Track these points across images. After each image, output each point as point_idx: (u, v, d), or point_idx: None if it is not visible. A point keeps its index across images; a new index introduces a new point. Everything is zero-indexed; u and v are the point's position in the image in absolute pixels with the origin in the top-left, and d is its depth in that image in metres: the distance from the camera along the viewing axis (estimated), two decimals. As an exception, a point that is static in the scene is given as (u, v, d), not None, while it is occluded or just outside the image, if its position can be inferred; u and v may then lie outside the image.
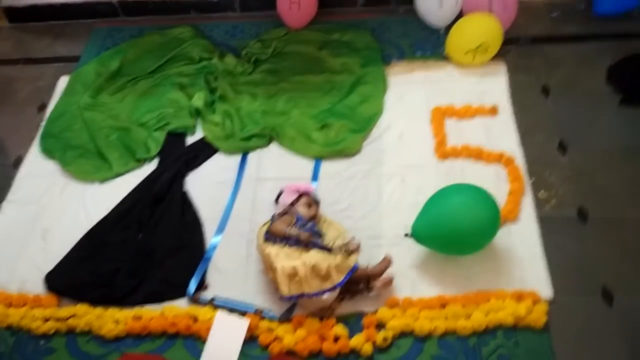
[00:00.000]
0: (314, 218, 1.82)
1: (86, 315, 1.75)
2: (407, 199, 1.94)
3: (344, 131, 2.19)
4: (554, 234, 1.77)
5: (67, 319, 1.75)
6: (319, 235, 1.74)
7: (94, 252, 1.93)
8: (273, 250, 1.67)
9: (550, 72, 2.29)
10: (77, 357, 1.69)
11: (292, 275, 1.59)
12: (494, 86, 2.26)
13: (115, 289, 1.82)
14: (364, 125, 2.21)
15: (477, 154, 2.02)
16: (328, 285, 1.58)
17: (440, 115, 2.17)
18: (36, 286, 1.85)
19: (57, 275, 1.86)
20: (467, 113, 2.17)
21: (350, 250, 1.68)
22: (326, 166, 2.10)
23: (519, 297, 1.62)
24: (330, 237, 1.75)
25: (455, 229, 1.62)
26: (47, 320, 1.76)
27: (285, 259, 1.63)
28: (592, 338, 1.56)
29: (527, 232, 1.79)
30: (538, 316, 1.57)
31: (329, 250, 1.67)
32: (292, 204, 1.82)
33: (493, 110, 2.16)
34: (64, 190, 2.15)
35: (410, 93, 2.30)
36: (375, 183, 2.01)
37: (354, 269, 1.63)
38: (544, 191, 1.90)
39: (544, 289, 1.65)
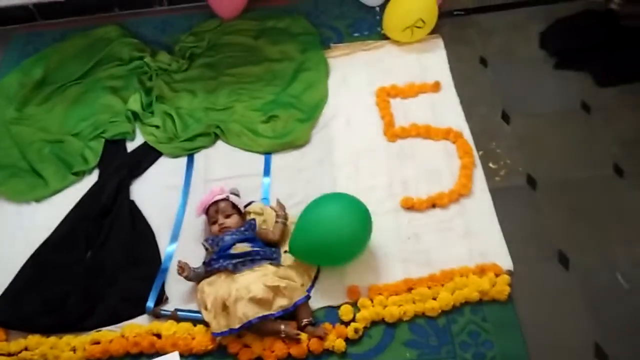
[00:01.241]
0: (225, 227, 1.72)
1: (39, 347, 1.63)
2: (363, 183, 1.91)
3: (291, 121, 2.12)
4: (507, 204, 1.79)
5: (19, 352, 1.62)
6: (254, 239, 1.69)
7: (40, 277, 1.79)
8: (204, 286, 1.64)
9: (485, 42, 2.29)
10: (36, 392, 1.58)
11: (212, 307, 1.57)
12: (434, 61, 2.25)
13: (68, 314, 1.69)
14: (311, 113, 2.14)
15: (425, 132, 2.01)
16: (263, 312, 1.51)
17: (385, 96, 2.14)
18: (-22, 321, 1.70)
19: (1, 307, 1.72)
20: (410, 91, 2.14)
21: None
22: (277, 159, 2.03)
23: (482, 271, 1.62)
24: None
25: (327, 241, 1.56)
26: (-4, 356, 1.63)
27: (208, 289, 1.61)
28: (554, 302, 1.58)
29: (481, 205, 1.80)
30: (502, 288, 1.58)
31: (266, 258, 1.63)
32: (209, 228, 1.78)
33: (436, 86, 2.15)
34: (-1, 212, 1.99)
35: (353, 75, 2.25)
36: (329, 172, 1.96)
37: (297, 303, 1.56)
38: (492, 163, 1.91)
39: (504, 260, 1.66)
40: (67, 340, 1.64)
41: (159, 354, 1.60)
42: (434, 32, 2.29)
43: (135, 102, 2.23)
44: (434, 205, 1.81)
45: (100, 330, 1.66)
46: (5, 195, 2.02)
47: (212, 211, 1.76)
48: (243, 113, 2.18)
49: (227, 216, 1.74)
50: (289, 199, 1.89)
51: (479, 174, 1.87)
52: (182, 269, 1.61)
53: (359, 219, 1.59)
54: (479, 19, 2.38)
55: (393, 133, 2.02)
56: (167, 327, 1.62)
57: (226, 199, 1.78)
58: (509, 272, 1.63)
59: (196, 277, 1.64)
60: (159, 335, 1.62)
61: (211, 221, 1.75)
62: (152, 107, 2.25)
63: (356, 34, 2.41)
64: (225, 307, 1.53)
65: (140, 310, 1.69)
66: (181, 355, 1.58)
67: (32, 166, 2.09)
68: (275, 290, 1.53)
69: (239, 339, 1.57)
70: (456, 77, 2.17)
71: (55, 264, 1.81)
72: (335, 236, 1.55)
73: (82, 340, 1.63)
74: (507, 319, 1.56)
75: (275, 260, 1.66)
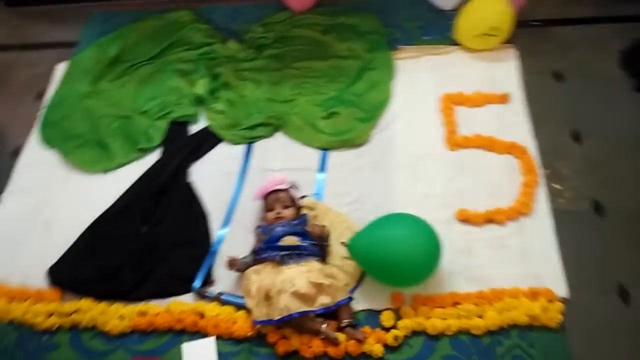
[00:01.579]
0: (282, 217, 1.72)
1: (90, 311, 1.69)
2: (419, 190, 1.87)
3: (351, 120, 2.11)
4: (569, 229, 1.71)
5: (71, 314, 1.70)
6: (304, 234, 1.68)
7: (98, 245, 1.86)
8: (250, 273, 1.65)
9: (561, 56, 2.20)
10: (82, 353, 1.65)
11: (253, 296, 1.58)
12: (505, 72, 2.17)
13: (120, 283, 1.76)
14: (372, 113, 2.12)
15: (489, 144, 1.94)
16: (304, 307, 1.50)
17: (450, 103, 2.09)
18: (39, 280, 1.79)
19: (60, 269, 1.81)
20: (477, 100, 2.08)
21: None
22: (334, 157, 2.03)
23: (534, 295, 1.56)
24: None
25: (393, 263, 1.52)
26: (50, 315, 1.70)
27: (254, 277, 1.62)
28: (610, 338, 1.51)
29: (541, 226, 1.73)
30: (553, 315, 1.52)
31: (312, 254, 1.62)
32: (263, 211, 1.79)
33: (504, 98, 2.08)
34: (66, 180, 2.08)
35: (419, 79, 2.21)
36: (385, 174, 1.94)
37: (339, 303, 1.54)
38: (557, 183, 1.82)
39: (559, 286, 1.59)
40: (116, 308, 1.70)
41: (200, 334, 1.63)
42: (508, 41, 2.21)
43: (201, 87, 2.27)
44: (490, 221, 1.76)
45: (148, 303, 1.71)
46: (74, 164, 2.12)
47: (271, 199, 1.77)
48: (305, 107, 2.18)
49: (285, 207, 1.75)
50: (342, 198, 1.88)
51: (541, 194, 1.79)
52: (232, 264, 1.64)
53: (434, 264, 1.56)
54: (557, 32, 2.29)
55: (455, 142, 1.97)
56: (211, 309, 1.65)
57: (286, 190, 1.79)
58: (563, 300, 1.56)
59: (244, 266, 1.66)
60: (202, 315, 1.65)
61: (267, 208, 1.77)
62: (217, 93, 2.29)
63: (426, 37, 2.36)
64: (268, 297, 1.54)
65: (187, 288, 1.73)
66: (221, 338, 1.61)
67: (100, 139, 2.18)
68: (319, 287, 1.53)
69: (278, 329, 1.58)
70: (527, 90, 2.09)
71: (112, 235, 1.88)
72: (405, 265, 1.52)
73: (130, 310, 1.69)
74: (556, 349, 1.49)
75: (322, 258, 1.65)
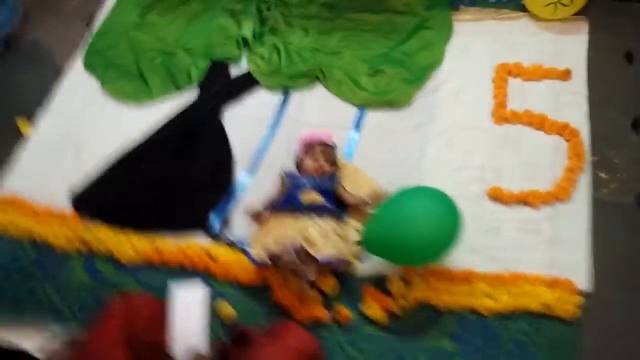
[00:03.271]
0: (321, 171, 1.78)
1: (107, 239, 1.83)
2: (452, 162, 1.88)
3: (396, 80, 2.12)
4: (607, 221, 1.68)
5: (89, 239, 1.84)
6: (327, 192, 1.73)
7: (124, 176, 2.00)
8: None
9: (637, 35, 2.09)
10: (95, 279, 1.79)
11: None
12: (572, 46, 2.10)
13: (140, 216, 1.89)
14: (419, 75, 2.12)
15: (539, 122, 1.91)
16: (307, 248, 1.55)
17: (504, 73, 2.06)
18: (63, 202, 1.95)
19: (84, 196, 1.96)
20: (535, 74, 2.04)
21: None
22: (371, 116, 2.06)
23: (553, 284, 1.57)
24: (352, 189, 1.75)
25: (404, 240, 1.50)
26: (69, 238, 1.86)
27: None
28: (626, 337, 1.50)
29: (577, 215, 1.71)
30: (569, 307, 1.52)
31: (335, 215, 1.67)
32: (300, 158, 1.84)
33: (565, 74, 2.02)
34: (102, 108, 2.23)
35: (476, 44, 2.18)
36: (421, 140, 1.95)
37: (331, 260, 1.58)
38: (604, 172, 1.79)
39: (582, 279, 1.58)
40: (132, 239, 1.83)
41: (209, 276, 1.74)
42: (580, 13, 2.13)
43: (248, 29, 2.34)
44: (524, 202, 1.75)
45: (163, 238, 1.83)
46: (111, 92, 2.25)
47: (318, 149, 1.82)
48: (350, 61, 2.21)
49: (328, 163, 1.81)
50: (372, 160, 1.92)
51: (584, 181, 1.76)
52: (257, 217, 1.73)
53: (453, 241, 1.55)
54: (637, 8, 2.17)
55: (502, 115, 1.95)
56: (223, 254, 1.76)
57: (334, 148, 1.85)
58: (585, 294, 1.56)
59: (261, 214, 1.75)
60: (213, 258, 1.76)
61: (311, 158, 1.82)
62: (263, 37, 2.35)
63: (492, 0, 2.31)
64: (277, 242, 1.62)
65: (203, 229, 1.83)
66: (229, 285, 1.72)
67: (141, 72, 2.30)
68: (327, 240, 1.59)
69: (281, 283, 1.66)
70: (592, 68, 2.02)
71: (140, 167, 2.01)
72: (422, 249, 1.52)
73: (145, 243, 1.81)
74: (563, 340, 1.50)
75: (338, 216, 1.71)
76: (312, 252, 1.55)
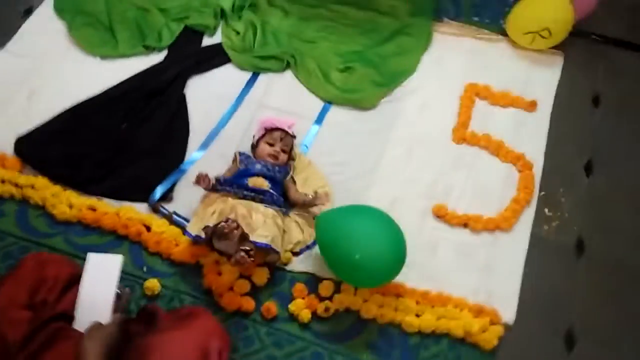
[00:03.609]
0: (275, 158, 1.75)
1: (44, 190, 1.75)
2: (404, 173, 1.86)
3: (365, 81, 2.08)
4: (542, 258, 1.69)
5: (24, 187, 1.76)
6: (276, 182, 1.69)
7: (73, 129, 1.91)
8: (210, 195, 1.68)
9: (608, 80, 2.10)
10: (24, 229, 1.72)
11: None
12: (543, 79, 2.10)
13: (81, 172, 1.81)
14: (389, 80, 2.09)
15: (496, 148, 1.91)
16: (244, 227, 1.52)
17: (472, 93, 2.04)
18: (6, 145, 1.85)
19: (28, 142, 1.86)
20: (502, 100, 2.03)
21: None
22: (334, 112, 2.02)
23: (479, 311, 1.57)
24: (300, 183, 1.73)
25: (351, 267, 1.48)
26: (4, 182, 1.77)
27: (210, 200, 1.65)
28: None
29: (514, 246, 1.71)
30: (490, 337, 1.53)
31: (278, 205, 1.64)
32: (257, 141, 1.79)
33: (532, 105, 2.02)
34: (63, 56, 2.12)
35: (451, 59, 2.16)
36: (380, 146, 1.93)
37: (265, 245, 1.52)
38: (549, 209, 1.80)
39: (508, 311, 1.59)
40: (68, 195, 1.75)
41: (141, 245, 1.68)
42: (558, 47, 2.13)
43: (228, 1, 2.25)
44: (465, 225, 1.75)
45: (100, 199, 1.77)
46: (77, 40, 2.14)
47: (277, 135, 1.77)
48: (324, 53, 2.16)
49: (284, 151, 1.77)
50: (328, 156, 1.89)
51: (528, 215, 1.77)
52: (203, 180, 1.63)
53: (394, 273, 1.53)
54: (614, 53, 2.19)
55: (461, 135, 1.94)
56: (159, 225, 1.70)
57: (293, 137, 1.81)
58: (506, 326, 1.57)
59: (211, 187, 1.68)
60: (148, 228, 1.70)
61: (267, 142, 1.77)
62: (242, 12, 2.27)
63: (476, 18, 2.28)
64: (213, 214, 1.58)
65: (143, 198, 1.77)
66: (159, 256, 1.67)
67: (110, 24, 2.19)
68: (266, 226, 1.55)
69: (215, 265, 1.63)
70: (558, 104, 2.02)
71: (90, 123, 1.92)
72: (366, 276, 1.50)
73: (81, 201, 1.74)
74: (480, 370, 1.51)
75: (282, 209, 1.67)
76: (247, 231, 1.51)
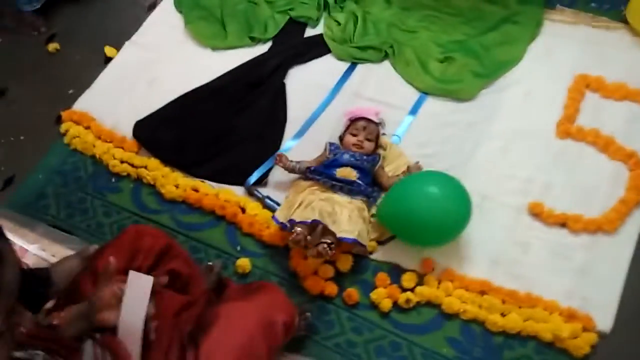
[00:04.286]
0: (359, 147, 1.73)
1: (155, 171, 1.90)
2: (501, 168, 1.77)
3: (465, 71, 2.00)
4: (649, 264, 1.53)
5: (139, 167, 1.92)
6: (365, 171, 1.68)
7: (182, 116, 2.04)
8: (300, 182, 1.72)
9: None
10: (137, 204, 1.87)
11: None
12: (667, 71, 1.88)
13: (187, 156, 1.94)
14: (492, 70, 1.99)
15: (604, 144, 1.75)
16: (328, 223, 1.52)
17: (582, 85, 1.88)
18: (126, 128, 2.02)
19: (143, 126, 2.02)
20: (616, 92, 1.85)
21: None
22: (430, 103, 1.96)
23: (570, 316, 1.46)
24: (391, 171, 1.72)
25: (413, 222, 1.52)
26: (123, 162, 1.94)
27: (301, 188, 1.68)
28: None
29: (618, 251, 1.57)
30: (582, 344, 1.42)
31: (366, 196, 1.63)
32: (343, 133, 1.78)
33: (651, 99, 1.82)
34: (180, 46, 2.26)
35: (561, 49, 2.00)
36: (476, 138, 1.84)
37: (349, 239, 1.52)
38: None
39: (604, 319, 1.46)
40: (175, 176, 1.88)
41: (235, 226, 1.76)
42: (686, 35, 1.90)
43: (331, -9, 2.27)
44: (563, 225, 1.63)
45: (203, 181, 1.87)
46: (191, 33, 2.28)
47: (359, 125, 1.77)
48: (424, 42, 2.10)
49: (368, 140, 1.76)
50: (420, 148, 1.85)
51: (636, 218, 1.61)
52: (280, 159, 1.72)
53: (461, 226, 1.55)
54: None
55: (566, 129, 1.80)
56: (252, 207, 1.77)
57: (378, 124, 1.79)
58: (601, 334, 1.44)
59: (293, 169, 1.73)
60: (243, 210, 1.78)
61: (351, 132, 1.77)
62: (344, 3, 2.27)
63: (593, 4, 2.10)
64: (300, 205, 1.61)
65: (240, 181, 1.85)
66: (252, 237, 1.74)
67: (222, 17, 2.30)
68: (350, 220, 1.56)
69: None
70: (682, 99, 1.81)
71: (196, 111, 2.04)
72: (429, 226, 1.52)
73: (186, 182, 1.87)
74: (567, 377, 1.41)
75: (370, 199, 1.67)
76: (332, 228, 1.52)
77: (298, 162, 1.74)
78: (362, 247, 1.57)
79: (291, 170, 1.74)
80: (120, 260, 1.16)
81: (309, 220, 1.53)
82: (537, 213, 1.65)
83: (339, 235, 1.52)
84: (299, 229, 1.52)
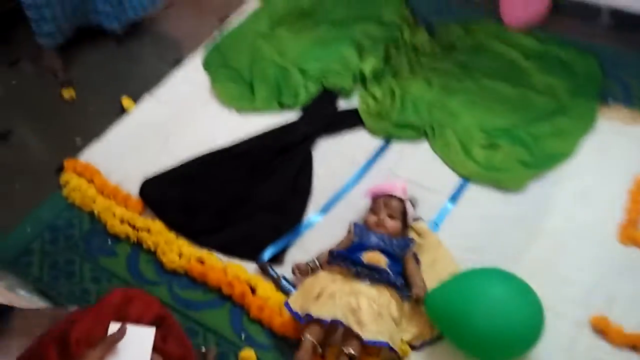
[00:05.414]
0: (380, 226, 1.51)
1: (157, 235, 1.66)
2: (558, 271, 1.52)
3: (512, 159, 1.80)
4: None
5: (141, 230, 1.68)
6: (395, 257, 1.43)
7: (196, 177, 1.82)
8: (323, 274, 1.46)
9: None
10: (132, 274, 1.62)
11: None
12: None
13: (196, 221, 1.70)
14: (542, 162, 1.79)
15: (676, 256, 1.50)
16: (350, 323, 1.28)
17: (644, 189, 1.67)
18: (133, 187, 1.80)
19: (152, 184, 1.80)
20: (684, 198, 1.63)
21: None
22: (473, 191, 1.75)
23: None
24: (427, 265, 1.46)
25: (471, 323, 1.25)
26: (123, 222, 1.70)
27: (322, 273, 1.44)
28: None
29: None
30: None
31: (395, 288, 1.38)
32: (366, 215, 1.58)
33: None
34: (204, 106, 2.09)
35: (618, 148, 1.82)
36: (525, 235, 1.61)
37: (378, 343, 1.27)
38: None
39: None
40: (180, 244, 1.64)
41: (242, 309, 1.49)
42: None
43: (369, 65, 2.13)
44: (634, 347, 1.35)
45: (210, 252, 1.62)
46: (217, 92, 2.12)
47: (380, 202, 1.57)
48: (466, 126, 1.92)
49: (392, 217, 1.54)
50: (461, 239, 1.62)
51: None
52: (298, 268, 1.50)
53: (530, 341, 1.28)
54: None
55: (631, 235, 1.57)
56: (264, 288, 1.51)
57: (402, 201, 1.57)
58: None
59: (313, 270, 1.49)
60: (253, 290, 1.51)
61: (374, 210, 1.57)
62: (382, 78, 2.13)
63: (649, 102, 1.94)
64: (318, 295, 1.36)
65: (253, 255, 1.60)
66: (260, 325, 1.46)
67: (251, 79, 2.15)
68: (378, 317, 1.30)
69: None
70: None
71: (213, 174, 1.83)
72: (492, 335, 1.25)
73: (191, 251, 1.62)
74: None
75: (399, 291, 1.40)
76: (356, 330, 1.26)
77: (316, 258, 1.51)
78: (393, 352, 1.28)
79: (312, 272, 1.49)
80: (101, 330, 0.92)
81: (328, 320, 1.27)
82: (602, 329, 1.39)
83: (365, 338, 1.25)
84: (308, 336, 1.28)
